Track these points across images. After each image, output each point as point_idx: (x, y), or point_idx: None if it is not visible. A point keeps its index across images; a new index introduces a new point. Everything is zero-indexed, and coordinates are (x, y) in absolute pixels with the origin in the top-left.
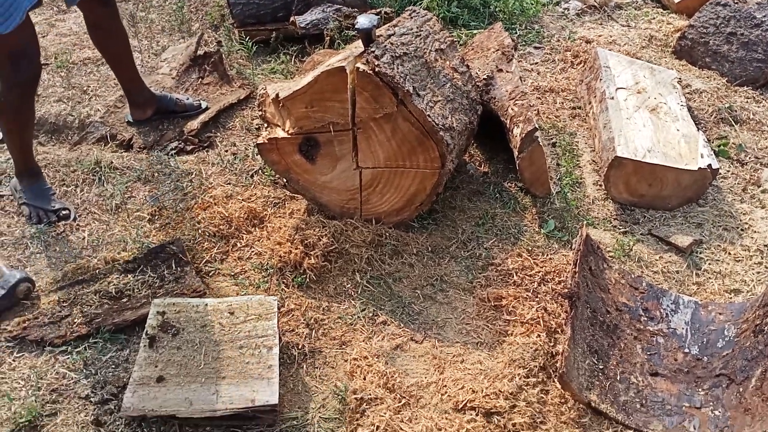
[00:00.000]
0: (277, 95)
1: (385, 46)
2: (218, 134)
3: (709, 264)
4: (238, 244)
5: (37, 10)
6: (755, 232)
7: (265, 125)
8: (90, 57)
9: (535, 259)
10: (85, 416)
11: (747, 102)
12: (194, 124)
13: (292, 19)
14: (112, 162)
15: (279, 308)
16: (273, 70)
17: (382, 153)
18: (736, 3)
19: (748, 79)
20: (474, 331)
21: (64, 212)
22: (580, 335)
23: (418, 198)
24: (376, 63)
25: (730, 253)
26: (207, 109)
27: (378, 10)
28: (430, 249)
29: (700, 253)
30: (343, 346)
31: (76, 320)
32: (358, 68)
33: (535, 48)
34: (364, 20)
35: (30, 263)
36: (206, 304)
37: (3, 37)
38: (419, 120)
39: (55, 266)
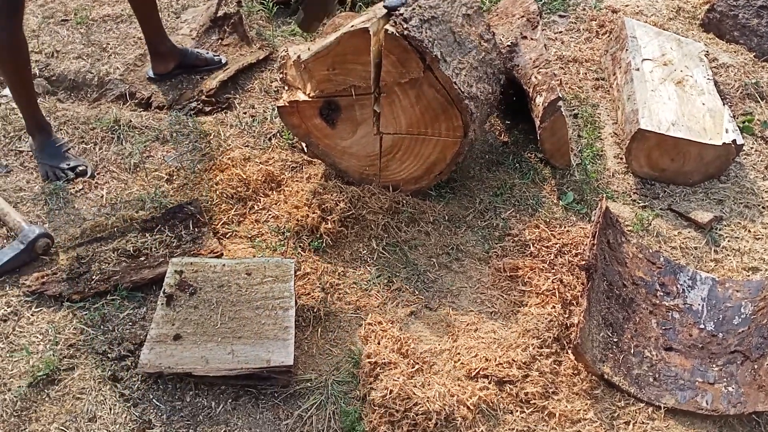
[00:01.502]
0: (298, 57)
1: (414, 9)
2: (237, 96)
3: (728, 241)
4: (256, 207)
5: None
6: None
7: (286, 88)
8: (110, 14)
9: (552, 230)
10: (102, 372)
11: None
12: (212, 83)
13: None
14: (130, 121)
15: (295, 271)
16: (293, 32)
17: (404, 119)
18: None
19: None
20: (489, 300)
21: (80, 168)
22: (595, 308)
23: (437, 167)
24: (404, 26)
25: (750, 231)
26: (226, 64)
27: None
28: (446, 218)
29: (720, 229)
30: (358, 311)
31: (94, 277)
32: (386, 30)
33: (560, 16)
34: None
35: (49, 219)
36: (224, 265)
37: None
38: (445, 87)
39: (73, 223)
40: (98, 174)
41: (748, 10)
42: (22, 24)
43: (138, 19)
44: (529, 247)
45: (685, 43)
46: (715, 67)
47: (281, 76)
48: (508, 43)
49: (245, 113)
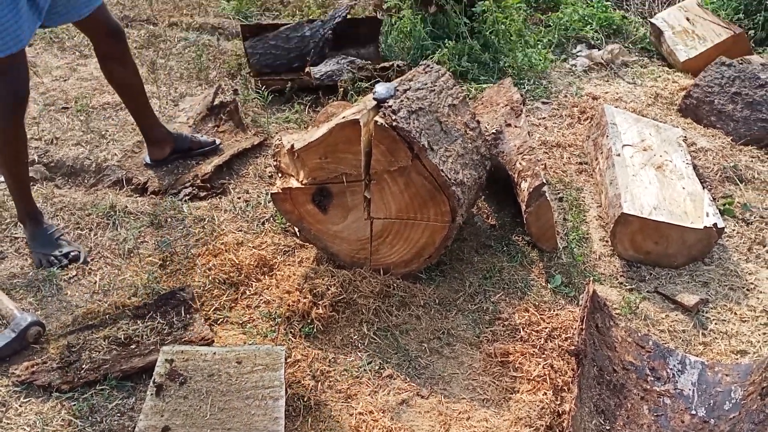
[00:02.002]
0: (292, 146)
1: (402, 100)
2: (231, 181)
3: (716, 324)
4: (248, 292)
5: (59, 54)
6: (761, 292)
7: (279, 175)
8: (109, 102)
9: (542, 314)
10: None
11: (752, 161)
12: (207, 168)
13: (307, 69)
14: (126, 206)
15: (286, 359)
16: (287, 119)
17: (394, 205)
18: (741, 63)
19: (752, 138)
20: (480, 387)
21: (73, 254)
22: (586, 394)
23: (427, 250)
24: (393, 118)
25: (736, 313)
26: (221, 147)
27: (391, 63)
28: (437, 301)
29: (707, 312)
30: (349, 400)
31: (84, 366)
32: (376, 122)
33: (543, 103)
34: (382, 89)
35: (41, 306)
36: (214, 353)
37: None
38: (432, 174)
39: (66, 310)
40: (92, 260)
41: (723, 96)
42: (24, 118)
43: (129, 110)
44: (520, 332)
45: (664, 128)
46: (693, 152)
47: (275, 163)
48: (493, 131)
49: (239, 198)
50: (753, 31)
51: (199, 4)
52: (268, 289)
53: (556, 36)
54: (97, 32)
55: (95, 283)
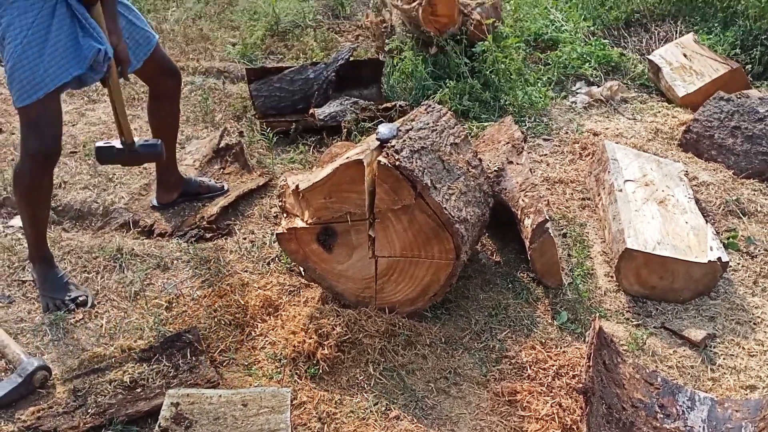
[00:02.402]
0: (296, 187)
1: (404, 140)
2: (237, 222)
3: (724, 359)
4: (253, 333)
5: (68, 99)
6: None
7: (284, 214)
8: None
9: (548, 351)
10: None
11: (754, 194)
12: (213, 209)
13: (311, 111)
14: (133, 249)
15: (291, 401)
16: (292, 160)
17: (398, 243)
18: (739, 98)
19: (754, 171)
20: (488, 427)
21: (81, 299)
22: None
23: (432, 288)
24: (396, 157)
25: (744, 348)
26: (228, 191)
27: (393, 103)
28: (443, 340)
29: (714, 347)
30: None
31: (89, 410)
32: (379, 161)
33: (544, 140)
34: (384, 130)
35: (48, 351)
36: (220, 396)
37: (27, 109)
38: (436, 212)
39: (72, 354)
40: (99, 303)
41: (723, 130)
42: (53, 170)
43: None
44: (527, 370)
45: (665, 163)
46: (695, 186)
47: (280, 204)
48: (495, 168)
49: (245, 239)
50: (750, 66)
51: (205, 49)
52: (273, 329)
53: (555, 74)
54: (154, 73)
55: (101, 326)
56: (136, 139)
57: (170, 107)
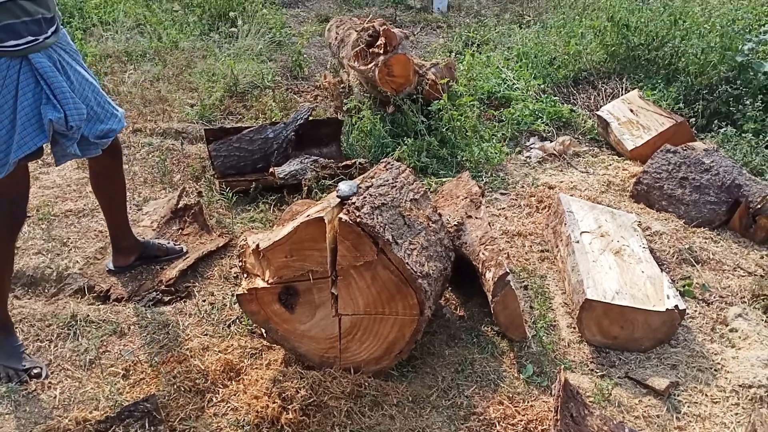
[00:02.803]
0: (257, 246)
1: (365, 197)
2: (196, 284)
3: (688, 407)
4: (214, 399)
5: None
6: (728, 372)
7: (245, 275)
8: (72, 209)
9: (516, 406)
10: None
11: (706, 242)
12: (172, 272)
13: (271, 170)
14: (88, 315)
15: None
16: (252, 219)
17: (361, 300)
18: (685, 150)
19: (704, 220)
20: None
21: (35, 371)
22: None
23: (397, 345)
24: (357, 214)
25: (707, 395)
26: (187, 253)
27: (353, 161)
28: (410, 399)
29: (678, 395)
30: None
31: None
32: (340, 218)
33: (502, 194)
34: (345, 187)
35: None
36: None
37: None
38: (398, 268)
39: (24, 428)
40: (52, 373)
41: (672, 181)
42: (17, 237)
43: (106, 219)
44: (496, 426)
45: (618, 214)
46: (649, 236)
47: (241, 264)
48: (455, 223)
49: (204, 301)
50: (694, 119)
51: (163, 111)
52: (235, 395)
53: (509, 130)
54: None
55: (55, 397)
56: None
57: (113, 181)
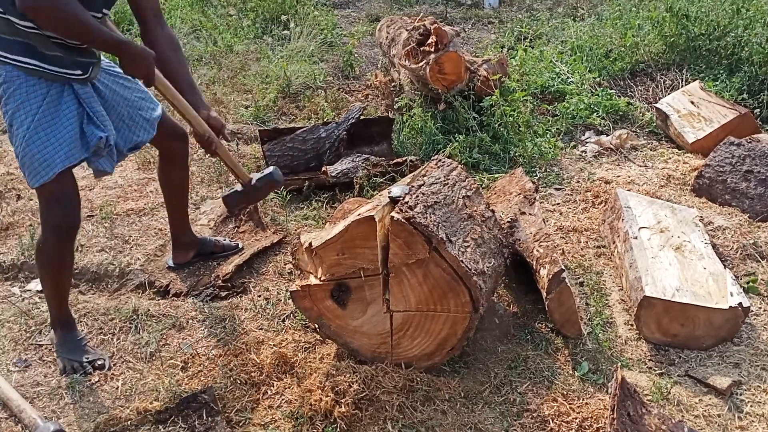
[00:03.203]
0: (309, 244)
1: (417, 196)
2: (252, 279)
3: (751, 406)
4: (269, 392)
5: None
6: None
7: (298, 272)
8: (133, 208)
9: (570, 404)
10: None
11: None
12: (228, 268)
13: (323, 168)
14: (148, 309)
15: None
16: (305, 217)
17: (413, 297)
18: (750, 142)
19: None
20: None
21: (99, 362)
22: None
23: (449, 342)
24: (410, 213)
25: None
26: (243, 249)
27: (404, 159)
28: (462, 394)
29: (741, 394)
30: None
31: None
32: (392, 217)
33: (556, 189)
34: (396, 190)
35: (64, 414)
36: None
37: (44, 188)
38: (452, 266)
39: (88, 417)
40: (114, 365)
41: (735, 174)
42: (75, 240)
43: (168, 212)
44: (549, 423)
45: (679, 209)
46: (711, 231)
47: (294, 261)
48: (508, 219)
49: (260, 296)
50: (758, 110)
51: (219, 112)
52: (289, 388)
53: (564, 124)
54: (163, 138)
55: (117, 388)
56: (252, 175)
57: (180, 170)
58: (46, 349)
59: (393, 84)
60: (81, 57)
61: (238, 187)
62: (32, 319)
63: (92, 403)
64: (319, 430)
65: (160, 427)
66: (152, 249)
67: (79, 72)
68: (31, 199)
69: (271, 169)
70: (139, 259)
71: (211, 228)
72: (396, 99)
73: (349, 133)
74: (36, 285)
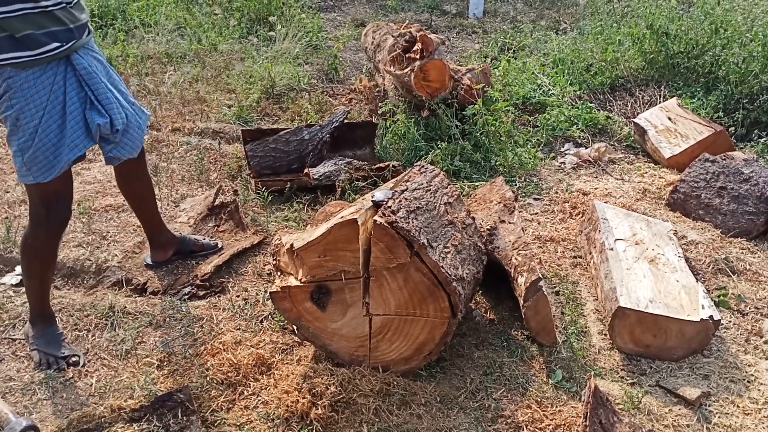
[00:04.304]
0: (291, 245)
1: (400, 201)
2: (230, 279)
3: (719, 417)
4: (245, 392)
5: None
6: (762, 384)
7: (278, 273)
8: (111, 204)
9: (544, 411)
10: None
11: (742, 253)
12: (207, 267)
13: (306, 170)
14: (125, 307)
15: None
16: (286, 218)
17: (393, 301)
18: (724, 159)
19: (741, 230)
20: None
21: (73, 359)
22: None
23: (427, 347)
24: (393, 217)
25: (738, 406)
26: (222, 249)
27: (386, 164)
28: (438, 399)
29: (709, 405)
30: None
31: None
32: (375, 221)
33: (535, 199)
34: (380, 194)
35: (36, 410)
36: None
37: (42, 184)
38: (433, 271)
39: (61, 413)
40: (89, 361)
41: (709, 190)
42: (62, 235)
43: (138, 217)
44: (523, 429)
45: (654, 222)
46: (684, 245)
47: (274, 262)
48: (488, 227)
49: (238, 296)
50: (733, 128)
51: (202, 111)
52: (266, 389)
53: (544, 136)
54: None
55: (91, 385)
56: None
57: (139, 181)
58: (19, 343)
59: (377, 89)
60: (50, 24)
61: None
62: (6, 313)
63: (66, 399)
64: None
65: (135, 425)
66: (130, 246)
67: (57, 44)
68: (7, 192)
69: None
70: (116, 255)
71: (190, 226)
72: (380, 104)
73: (332, 136)
74: (11, 278)
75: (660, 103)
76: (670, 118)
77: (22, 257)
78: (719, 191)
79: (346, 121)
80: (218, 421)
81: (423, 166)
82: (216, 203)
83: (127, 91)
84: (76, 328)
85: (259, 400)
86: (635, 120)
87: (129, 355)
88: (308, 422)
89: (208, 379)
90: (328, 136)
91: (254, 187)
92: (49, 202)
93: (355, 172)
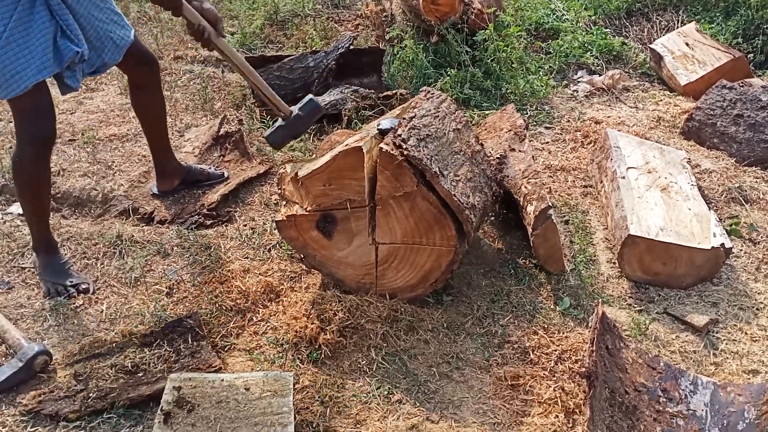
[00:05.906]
0: (296, 174)
1: (409, 129)
2: (237, 209)
3: (726, 344)
4: (254, 319)
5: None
6: None
7: (284, 202)
8: (116, 133)
9: (551, 336)
10: None
11: (756, 182)
12: (214, 197)
13: None
14: (132, 235)
15: (294, 385)
16: (292, 148)
17: (399, 229)
18: (742, 86)
19: (756, 159)
20: (491, 410)
21: (83, 286)
22: (599, 416)
23: (433, 275)
24: (404, 146)
25: (746, 333)
26: (228, 178)
27: (394, 92)
28: (445, 325)
29: (717, 332)
30: (358, 426)
31: (91, 395)
32: (381, 149)
33: (546, 128)
34: (386, 123)
35: (48, 336)
36: (222, 380)
37: (16, 100)
38: (444, 199)
39: (72, 339)
40: (98, 289)
41: (725, 118)
42: (50, 156)
43: (148, 141)
44: (529, 354)
45: (667, 151)
46: (698, 173)
47: (280, 191)
48: (497, 156)
49: (245, 225)
50: (752, 55)
51: None
52: (275, 315)
53: (556, 63)
54: (130, 64)
55: (102, 311)
56: (292, 108)
57: (152, 96)
58: (28, 271)
59: (384, 14)
60: None
61: (279, 121)
62: (14, 242)
63: (76, 325)
64: (304, 356)
65: (146, 349)
66: (136, 175)
67: None
68: (10, 122)
69: (309, 96)
70: (122, 185)
71: (195, 156)
72: (387, 30)
73: (338, 63)
74: (17, 208)
75: (677, 28)
76: (687, 44)
77: (16, 182)
78: (735, 119)
79: (352, 47)
80: (228, 346)
81: (429, 92)
82: (221, 133)
83: (116, 9)
84: (85, 257)
85: (268, 326)
86: (652, 46)
87: (138, 283)
88: (317, 347)
89: (217, 305)
90: (333, 63)
91: (259, 117)
92: (25, 117)
93: (361, 100)
